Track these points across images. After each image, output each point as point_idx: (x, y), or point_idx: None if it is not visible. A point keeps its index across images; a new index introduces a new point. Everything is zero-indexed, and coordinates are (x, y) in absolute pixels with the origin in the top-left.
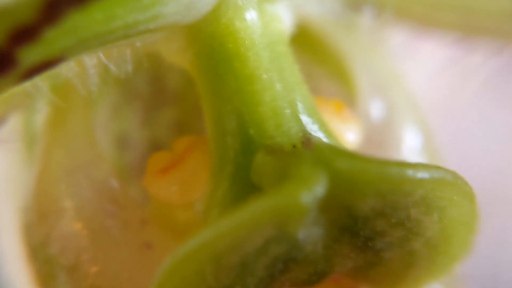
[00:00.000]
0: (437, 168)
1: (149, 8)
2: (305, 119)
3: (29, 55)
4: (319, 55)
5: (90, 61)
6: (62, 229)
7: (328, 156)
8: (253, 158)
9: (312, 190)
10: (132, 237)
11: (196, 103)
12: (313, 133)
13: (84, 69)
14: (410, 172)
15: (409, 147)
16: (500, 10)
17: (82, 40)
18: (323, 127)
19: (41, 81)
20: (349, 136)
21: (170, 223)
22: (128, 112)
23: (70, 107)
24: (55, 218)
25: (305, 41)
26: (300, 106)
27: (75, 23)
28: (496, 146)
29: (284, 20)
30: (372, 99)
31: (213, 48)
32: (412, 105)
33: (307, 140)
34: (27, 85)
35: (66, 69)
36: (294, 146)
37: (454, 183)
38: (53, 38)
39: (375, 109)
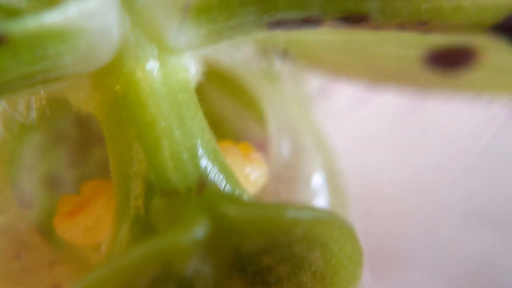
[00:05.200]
0: (314, 208)
1: (44, 60)
2: (204, 163)
3: None
4: (241, 99)
5: None
6: None
7: (213, 200)
8: (152, 202)
9: (191, 233)
10: (39, 278)
11: None
12: (211, 176)
13: None
14: (287, 213)
15: (315, 184)
16: (399, 57)
17: None
18: (222, 170)
19: None
20: (253, 177)
21: (79, 264)
22: (57, 154)
23: None
24: None
25: (229, 85)
26: (200, 151)
27: None
28: (402, 181)
29: (188, 69)
30: (282, 140)
31: (115, 96)
32: (319, 144)
33: (202, 183)
34: None
35: None
36: (189, 190)
37: (331, 221)
38: None
39: (285, 150)
